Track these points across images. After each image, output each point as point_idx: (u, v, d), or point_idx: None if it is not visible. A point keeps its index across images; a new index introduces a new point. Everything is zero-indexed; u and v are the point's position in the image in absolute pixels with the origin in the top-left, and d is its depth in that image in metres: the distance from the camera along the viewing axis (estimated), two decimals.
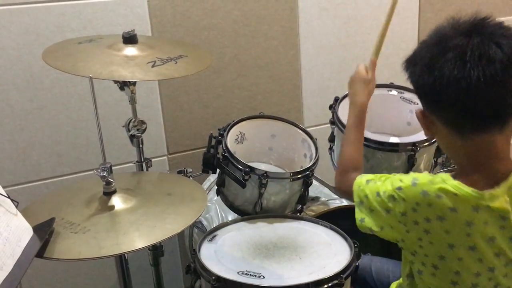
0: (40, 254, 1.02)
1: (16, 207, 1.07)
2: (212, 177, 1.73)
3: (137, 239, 1.07)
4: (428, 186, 0.96)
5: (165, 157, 1.91)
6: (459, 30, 0.93)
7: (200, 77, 1.87)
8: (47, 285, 1.83)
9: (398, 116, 1.68)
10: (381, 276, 1.39)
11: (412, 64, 0.99)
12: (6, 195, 1.05)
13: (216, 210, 1.68)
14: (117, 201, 1.18)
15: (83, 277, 1.88)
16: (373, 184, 1.07)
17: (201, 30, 1.83)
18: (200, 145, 1.90)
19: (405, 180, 1.00)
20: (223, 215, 1.65)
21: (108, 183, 1.17)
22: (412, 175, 1.01)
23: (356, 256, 1.27)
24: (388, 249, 1.53)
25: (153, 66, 1.31)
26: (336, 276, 1.20)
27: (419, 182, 0.97)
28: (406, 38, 2.13)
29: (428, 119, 1.01)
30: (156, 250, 1.53)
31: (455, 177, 0.96)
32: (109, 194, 1.18)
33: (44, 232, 1.04)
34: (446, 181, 0.96)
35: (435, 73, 0.92)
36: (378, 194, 1.04)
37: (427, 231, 0.98)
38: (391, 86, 1.72)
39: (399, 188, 1.00)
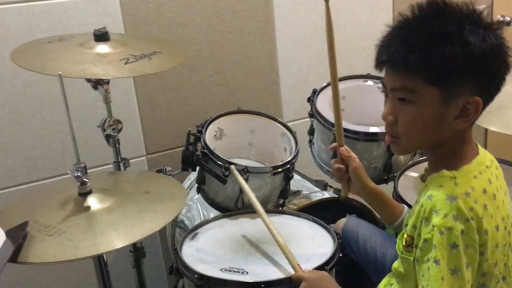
0: (13, 258, 0.98)
1: None
2: (193, 176, 1.71)
3: (115, 239, 1.05)
4: (481, 180, 0.93)
5: (144, 157, 1.88)
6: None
7: (176, 75, 1.85)
8: None
9: (376, 106, 1.66)
10: (367, 247, 1.33)
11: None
12: None
13: (198, 209, 1.66)
14: (93, 202, 1.16)
15: (63, 284, 1.84)
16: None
17: (175, 27, 1.81)
18: (179, 144, 1.86)
19: (463, 202, 0.89)
20: (205, 213, 1.63)
21: (83, 184, 1.14)
22: (451, 194, 0.90)
23: (339, 247, 1.26)
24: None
25: (126, 63, 1.29)
26: (320, 267, 1.19)
27: (476, 186, 0.91)
28: (381, 30, 2.13)
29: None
30: (137, 252, 1.50)
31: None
32: (84, 194, 1.15)
33: (17, 236, 1.01)
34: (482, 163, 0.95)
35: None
36: (437, 261, 0.88)
37: (503, 218, 0.94)
38: (367, 76, 1.72)
39: (472, 209, 0.89)
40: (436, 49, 0.87)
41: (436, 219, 0.89)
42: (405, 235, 0.98)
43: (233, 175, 1.39)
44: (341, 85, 1.70)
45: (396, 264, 1.05)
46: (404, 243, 0.98)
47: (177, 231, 1.66)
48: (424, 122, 0.93)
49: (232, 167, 1.40)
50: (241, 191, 1.44)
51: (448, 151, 0.96)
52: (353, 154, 1.25)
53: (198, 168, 1.51)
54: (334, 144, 1.28)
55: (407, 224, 1.00)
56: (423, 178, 1.05)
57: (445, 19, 0.88)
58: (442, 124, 0.92)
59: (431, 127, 0.93)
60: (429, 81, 0.89)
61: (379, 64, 0.95)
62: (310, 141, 1.71)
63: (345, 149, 1.25)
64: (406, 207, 1.24)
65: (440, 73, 0.88)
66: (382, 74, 1.02)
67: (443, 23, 0.88)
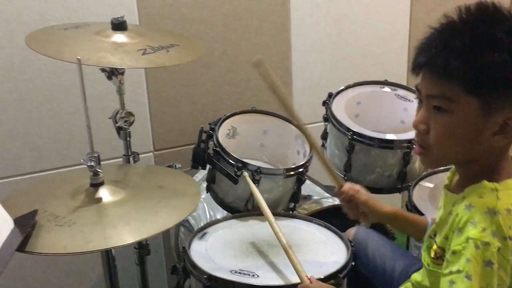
0: (21, 248, 0.94)
1: None
2: (200, 175, 1.67)
3: (127, 234, 1.01)
4: None
5: (151, 154, 1.84)
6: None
7: (188, 71, 1.81)
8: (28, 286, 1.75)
9: (392, 114, 1.65)
10: (377, 259, 1.28)
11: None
12: None
13: (204, 208, 1.62)
14: (105, 194, 1.12)
15: (68, 275, 1.80)
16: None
17: (190, 23, 1.78)
18: (187, 141, 1.83)
19: (503, 218, 0.84)
20: (212, 213, 1.59)
21: (95, 174, 1.10)
22: (492, 207, 0.85)
23: (353, 256, 1.23)
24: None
25: (143, 53, 1.25)
26: (334, 275, 1.15)
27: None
28: (397, 38, 2.11)
29: None
30: (142, 249, 1.46)
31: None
32: (96, 185, 1.11)
33: (26, 225, 0.97)
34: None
35: None
36: (469, 276, 0.82)
37: None
38: (384, 83, 1.69)
39: (510, 228, 0.84)
40: (481, 56, 0.81)
41: (472, 231, 0.83)
42: (435, 247, 0.93)
43: (245, 181, 1.34)
44: (357, 90, 1.69)
45: (419, 277, 1.00)
46: (433, 255, 0.93)
47: (182, 230, 1.62)
48: (458, 135, 0.86)
49: (245, 173, 1.35)
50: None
51: (482, 167, 0.90)
52: (356, 188, 1.17)
53: (208, 166, 1.48)
54: (337, 188, 1.20)
55: (434, 235, 0.96)
56: (450, 188, 0.98)
57: (494, 25, 0.83)
58: (478, 139, 0.86)
59: (466, 141, 0.86)
60: (470, 90, 0.83)
61: (416, 68, 0.89)
62: (323, 146, 1.68)
63: (347, 189, 1.17)
64: (429, 218, 1.18)
65: (483, 82, 0.82)
66: (416, 80, 0.96)
67: (491, 29, 0.82)
